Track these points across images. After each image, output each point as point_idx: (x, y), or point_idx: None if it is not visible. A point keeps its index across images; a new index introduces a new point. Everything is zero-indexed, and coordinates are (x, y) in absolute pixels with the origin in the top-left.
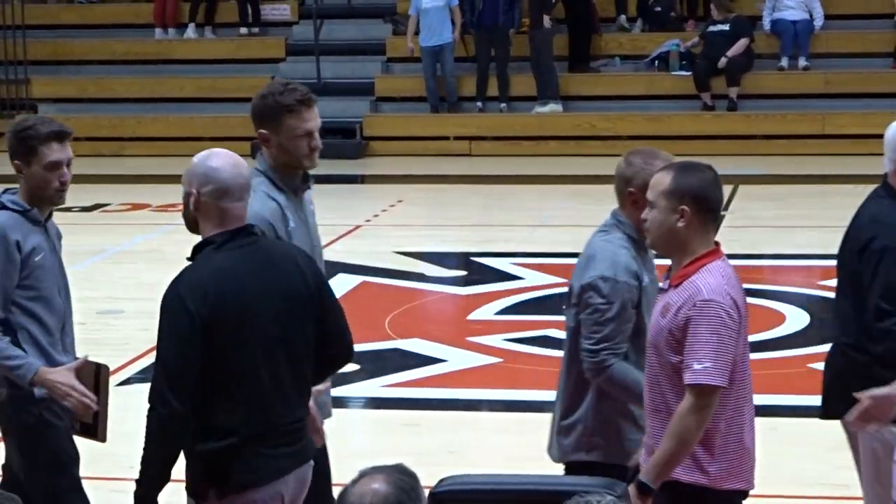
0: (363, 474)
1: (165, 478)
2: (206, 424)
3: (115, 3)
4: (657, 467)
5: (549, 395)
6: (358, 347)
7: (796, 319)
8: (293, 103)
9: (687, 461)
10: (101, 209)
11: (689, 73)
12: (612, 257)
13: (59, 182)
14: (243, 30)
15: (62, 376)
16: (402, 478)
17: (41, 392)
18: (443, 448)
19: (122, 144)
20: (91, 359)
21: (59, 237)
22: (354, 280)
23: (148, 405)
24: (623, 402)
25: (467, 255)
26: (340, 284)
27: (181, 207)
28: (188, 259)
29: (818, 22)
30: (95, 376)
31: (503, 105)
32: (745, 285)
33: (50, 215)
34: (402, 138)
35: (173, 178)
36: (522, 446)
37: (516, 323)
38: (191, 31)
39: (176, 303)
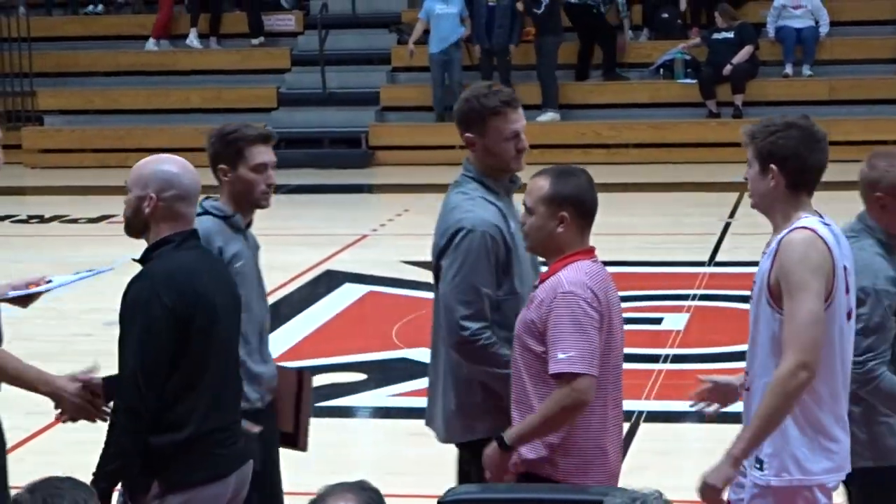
0: (329, 492)
1: (132, 470)
2: (161, 418)
3: (119, 14)
4: (520, 433)
5: None
6: (365, 357)
7: None
8: (498, 105)
9: (541, 452)
10: (107, 220)
11: (693, 81)
12: (870, 265)
13: (266, 184)
14: (255, 41)
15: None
16: (370, 495)
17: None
18: (450, 457)
19: (128, 155)
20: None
21: (257, 248)
22: (361, 290)
23: (119, 400)
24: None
25: None
26: (347, 294)
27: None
28: (136, 260)
29: (823, 29)
30: (298, 384)
31: None
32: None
33: (249, 224)
34: (408, 147)
35: None
36: None
37: None
38: (193, 40)
39: (152, 297)
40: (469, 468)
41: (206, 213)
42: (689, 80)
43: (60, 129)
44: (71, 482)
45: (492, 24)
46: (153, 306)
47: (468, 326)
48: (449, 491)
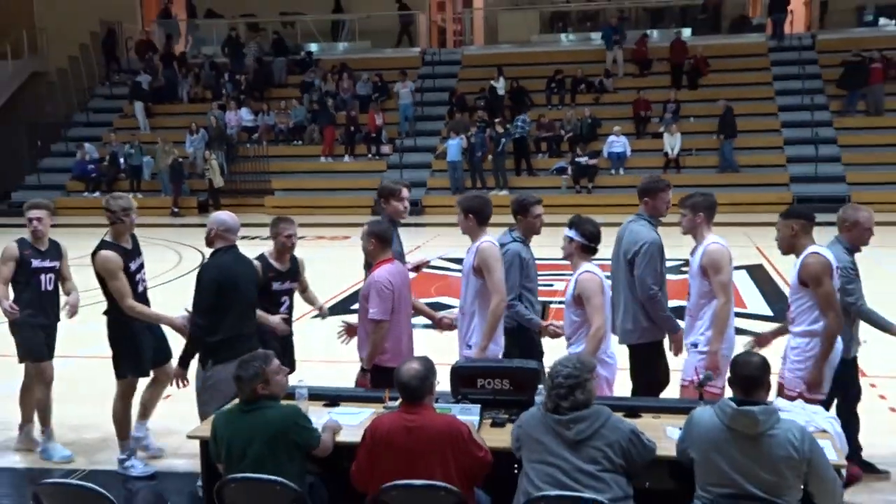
0: (407, 360)
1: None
2: (212, 329)
3: (311, 144)
4: (368, 358)
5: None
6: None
7: None
8: (663, 185)
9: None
10: (303, 238)
11: (569, 175)
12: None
13: (540, 223)
14: (369, 156)
15: (554, 330)
16: (427, 362)
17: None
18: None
19: (313, 209)
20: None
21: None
22: (411, 274)
23: (193, 317)
24: None
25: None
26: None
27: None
28: (211, 256)
29: (628, 152)
30: (542, 314)
31: (483, 190)
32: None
33: (529, 240)
34: (439, 206)
35: (332, 225)
36: None
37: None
38: (344, 157)
39: (207, 275)
40: (634, 361)
41: (513, 241)
42: (566, 176)
43: (284, 198)
44: (256, 357)
45: (473, 150)
46: (207, 280)
47: (653, 287)
48: (457, 362)
